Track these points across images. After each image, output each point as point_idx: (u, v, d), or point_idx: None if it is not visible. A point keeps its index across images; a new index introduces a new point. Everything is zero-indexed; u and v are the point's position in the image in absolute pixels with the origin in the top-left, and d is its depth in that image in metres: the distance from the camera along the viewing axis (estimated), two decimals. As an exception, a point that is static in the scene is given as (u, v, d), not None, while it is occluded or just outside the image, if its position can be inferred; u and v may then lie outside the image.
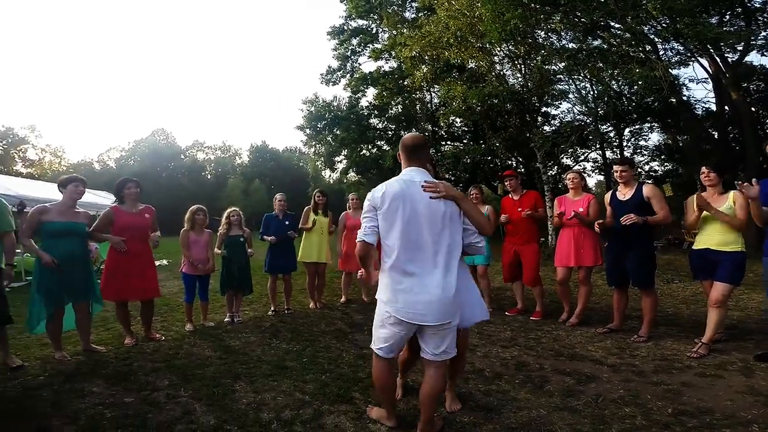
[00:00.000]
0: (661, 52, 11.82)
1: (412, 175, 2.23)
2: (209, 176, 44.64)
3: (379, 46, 19.40)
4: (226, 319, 4.87)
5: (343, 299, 6.00)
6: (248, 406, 2.69)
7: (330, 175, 28.60)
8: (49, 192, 8.16)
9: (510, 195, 5.32)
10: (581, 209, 4.57)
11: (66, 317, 3.63)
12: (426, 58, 13.96)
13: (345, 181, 23.24)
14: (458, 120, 17.99)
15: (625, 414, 2.55)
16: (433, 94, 19.55)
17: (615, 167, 4.18)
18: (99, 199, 11.04)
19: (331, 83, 20.89)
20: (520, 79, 13.50)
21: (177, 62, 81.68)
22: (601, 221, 4.26)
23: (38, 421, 2.42)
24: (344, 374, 3.25)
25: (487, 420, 2.51)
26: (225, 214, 4.96)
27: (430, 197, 2.14)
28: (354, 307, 5.72)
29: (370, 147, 21.28)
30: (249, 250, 4.97)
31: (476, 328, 4.32)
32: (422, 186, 2.16)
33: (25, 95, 68.57)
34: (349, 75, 20.54)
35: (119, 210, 3.96)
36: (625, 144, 18.23)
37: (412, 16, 18.36)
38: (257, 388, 2.96)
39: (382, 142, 21.36)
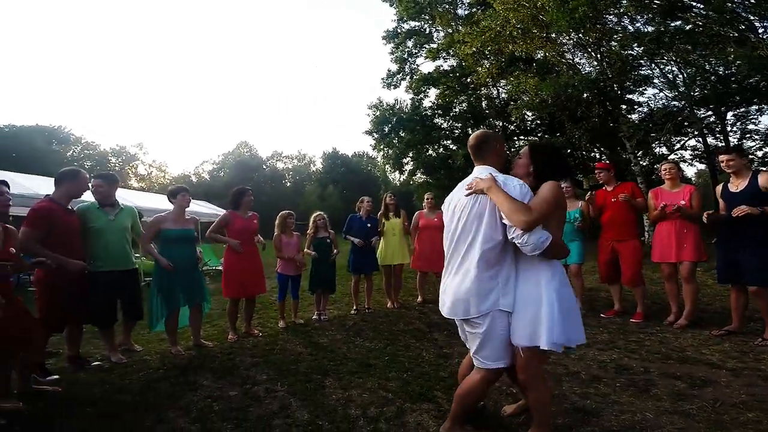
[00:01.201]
0: (760, 30, 10.13)
1: (473, 175, 2.15)
2: (288, 184, 46.69)
3: (434, 45, 18.97)
4: (313, 317, 5.06)
5: (419, 299, 5.94)
6: (337, 402, 2.74)
7: (397, 178, 28.62)
8: (158, 202, 9.10)
9: (604, 187, 4.88)
10: (683, 202, 4.07)
11: (180, 315, 3.97)
12: (487, 53, 13.41)
13: (412, 182, 23.14)
14: (529, 113, 17.02)
15: (748, 419, 2.25)
16: (500, 89, 18.70)
17: (720, 157, 3.72)
18: (198, 207, 12.06)
19: (392, 87, 20.65)
20: (597, 67, 12.42)
21: (255, 77, 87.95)
22: (710, 212, 3.76)
23: (157, 413, 2.63)
24: (426, 373, 3.21)
25: (584, 422, 2.35)
26: (312, 218, 5.17)
27: (464, 195, 2.08)
28: (431, 306, 5.63)
29: (436, 147, 20.91)
30: (334, 251, 5.14)
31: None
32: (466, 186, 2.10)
33: (132, 115, 78.02)
34: (408, 77, 20.29)
35: (235, 215, 4.28)
36: (729, 129, 15.82)
37: (466, 12, 17.69)
38: (344, 385, 3.02)
39: (449, 142, 20.86)
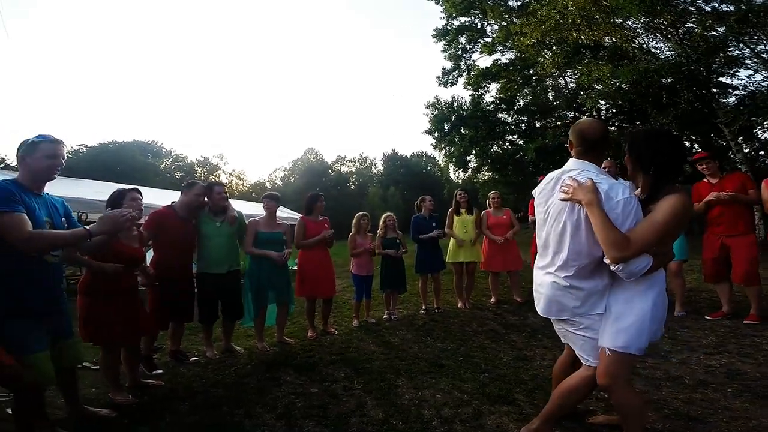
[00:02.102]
0: None
1: (570, 167, 1.92)
2: (352, 187, 46.87)
3: (489, 39, 18.16)
4: (384, 316, 5.08)
5: (493, 300, 5.71)
6: (410, 402, 2.71)
7: (459, 176, 27.78)
8: (238, 208, 9.74)
9: (706, 179, 4.33)
10: None
11: (267, 313, 4.17)
12: (549, 42, 12.58)
13: (476, 180, 22.40)
14: (602, 102, 15.69)
15: None
16: (567, 79, 17.49)
17: None
18: (289, 213, 12.66)
19: (449, 84, 20.03)
20: (677, 50, 11.10)
21: (317, 84, 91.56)
22: None
23: (246, 408, 2.75)
24: (504, 375, 3.07)
25: (688, 428, 2.15)
26: (382, 219, 5.21)
27: (559, 198, 1.85)
28: (506, 308, 5.39)
29: (501, 143, 20.11)
30: (402, 250, 5.14)
31: (668, 333, 3.67)
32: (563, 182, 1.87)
33: (212, 128, 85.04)
34: (465, 73, 19.58)
35: (308, 220, 4.46)
36: None
37: (518, 3, 16.73)
38: (417, 385, 2.98)
39: (514, 137, 19.96)
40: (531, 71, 16.79)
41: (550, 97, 18.34)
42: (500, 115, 19.79)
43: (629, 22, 11.00)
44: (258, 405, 2.75)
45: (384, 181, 45.48)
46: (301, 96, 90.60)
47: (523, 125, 19.63)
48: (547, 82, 17.76)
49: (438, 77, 20.07)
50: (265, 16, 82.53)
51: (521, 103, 19.33)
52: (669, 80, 11.16)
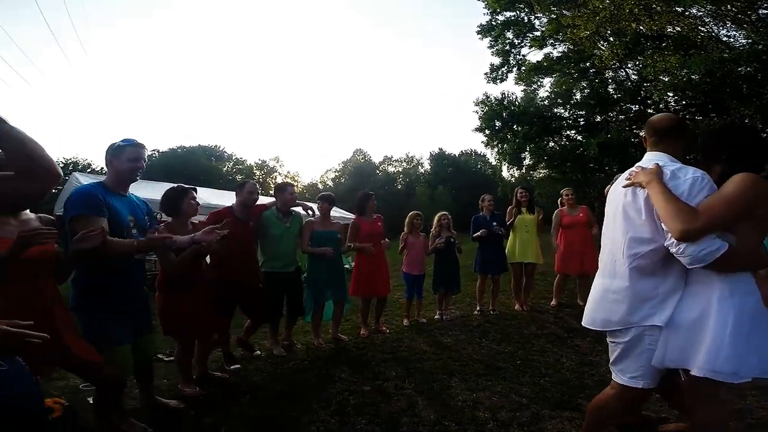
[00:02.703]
0: None
1: (642, 161, 1.77)
2: (399, 186, 46.00)
3: (538, 33, 17.14)
4: (436, 316, 4.97)
5: (553, 302, 5.39)
6: (464, 403, 2.62)
7: (513, 174, 26.53)
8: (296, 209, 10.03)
9: None
10: None
11: (324, 310, 4.22)
12: (606, 34, 11.69)
13: (530, 177, 21.35)
14: (670, 94, 14.30)
15: None
16: (629, 71, 16.17)
17: None
18: (343, 214, 12.91)
19: (498, 80, 19.01)
20: (754, 37, 9.84)
21: (362, 85, 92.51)
22: None
23: (303, 403, 2.77)
24: (566, 380, 2.88)
25: None
26: (436, 218, 5.09)
27: (622, 185, 1.71)
28: (568, 311, 5.07)
29: (557, 139, 18.97)
30: (457, 244, 4.98)
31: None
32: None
33: (268, 132, 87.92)
34: (516, 69, 18.61)
35: (362, 220, 4.48)
36: None
37: None
38: (471, 387, 2.87)
39: (572, 132, 18.75)
40: (587, 64, 15.77)
41: (611, 90, 17.06)
42: (556, 110, 18.76)
43: (693, 10, 9.96)
44: (314, 401, 2.78)
45: (431, 181, 44.40)
46: (348, 97, 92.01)
47: (581, 120, 18.46)
48: (606, 75, 16.55)
49: (486, 74, 19.22)
50: (312, 24, 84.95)
51: (578, 97, 18.17)
52: (747, 69, 9.96)
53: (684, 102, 15.67)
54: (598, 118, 18.08)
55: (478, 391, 2.79)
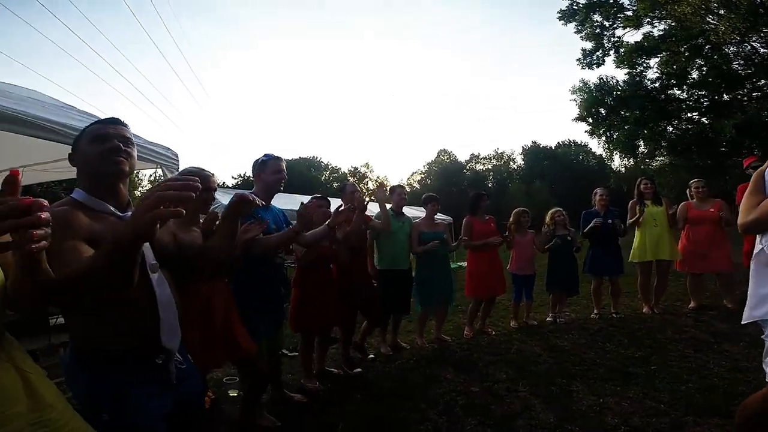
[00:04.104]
0: None
1: None
2: (490, 184, 43.91)
3: (629, 13, 15.24)
4: (548, 319, 4.58)
5: (692, 304, 4.58)
6: (589, 408, 2.35)
7: (621, 164, 23.41)
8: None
9: None
10: None
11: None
12: (714, 7, 9.83)
13: (645, 166, 18.66)
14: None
15: None
16: (755, 44, 13.48)
17: None
18: (416, 212, 12.76)
19: (593, 65, 17.36)
20: None
21: (444, 84, 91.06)
22: None
23: (410, 402, 2.75)
24: (714, 386, 2.44)
25: None
26: (549, 214, 4.73)
27: None
28: (712, 314, 4.27)
29: (675, 122, 16.51)
30: (577, 243, 4.61)
31: None
32: None
33: (357, 139, 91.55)
34: (612, 51, 16.74)
35: (474, 219, 4.36)
36: None
37: None
38: (596, 391, 2.57)
39: (694, 114, 16.20)
40: (699, 40, 13.51)
41: (736, 67, 14.30)
42: (670, 91, 16.39)
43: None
44: (422, 401, 2.74)
45: (526, 176, 42.10)
46: (430, 99, 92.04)
47: (704, 101, 15.82)
48: (727, 50, 13.93)
49: (579, 60, 17.75)
50: (394, 31, 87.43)
51: (695, 76, 15.60)
52: None
53: None
54: (726, 97, 15.32)
55: (605, 396, 2.48)
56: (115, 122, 1.18)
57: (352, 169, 51.72)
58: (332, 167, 50.39)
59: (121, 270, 0.89)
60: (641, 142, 17.38)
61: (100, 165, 1.13)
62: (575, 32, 17.53)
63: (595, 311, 4.68)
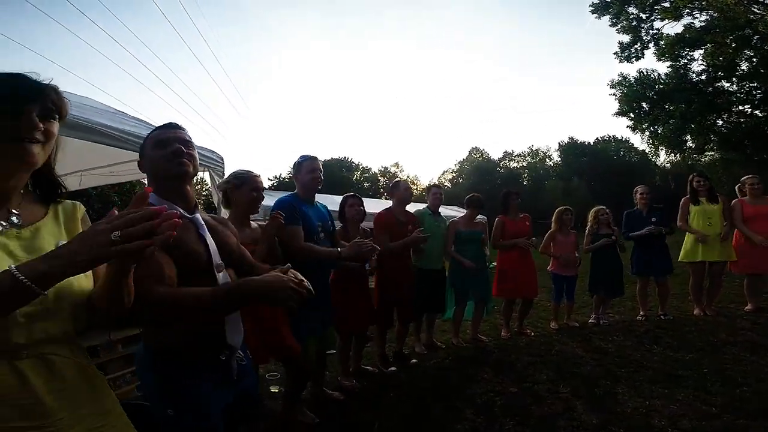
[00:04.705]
0: None
1: None
2: (525, 182, 42.34)
3: (666, 4, 14.43)
4: (590, 321, 4.42)
5: (749, 307, 4.28)
6: (634, 410, 2.26)
7: (666, 159, 22.04)
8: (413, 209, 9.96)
9: None
10: None
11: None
12: None
13: (692, 162, 17.54)
14: None
15: None
16: None
17: None
18: (450, 212, 12.44)
19: (632, 59, 16.62)
20: None
21: (477, 82, 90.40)
22: None
23: (446, 401, 2.73)
24: (773, 390, 2.24)
25: None
26: (592, 213, 4.53)
27: None
28: (771, 318, 3.97)
29: (725, 116, 15.49)
30: (620, 243, 4.43)
31: None
32: None
33: (388, 139, 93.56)
34: (652, 44, 15.91)
35: (506, 219, 4.29)
36: None
37: None
38: (643, 394, 2.47)
39: (746, 107, 15.13)
40: (747, 31, 12.62)
41: None
42: (718, 84, 15.39)
43: None
44: (458, 400, 2.73)
45: (563, 173, 40.21)
46: (460, 97, 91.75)
47: (757, 93, 14.74)
48: None
49: (616, 53, 17.06)
50: (421, 28, 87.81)
51: (744, 67, 14.57)
52: None
53: None
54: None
55: (651, 398, 2.38)
56: (173, 127, 1.24)
57: (383, 169, 51.80)
58: (363, 167, 50.55)
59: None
60: (689, 137, 16.40)
61: (165, 168, 1.19)
62: (610, 25, 16.92)
63: (642, 313, 4.46)
